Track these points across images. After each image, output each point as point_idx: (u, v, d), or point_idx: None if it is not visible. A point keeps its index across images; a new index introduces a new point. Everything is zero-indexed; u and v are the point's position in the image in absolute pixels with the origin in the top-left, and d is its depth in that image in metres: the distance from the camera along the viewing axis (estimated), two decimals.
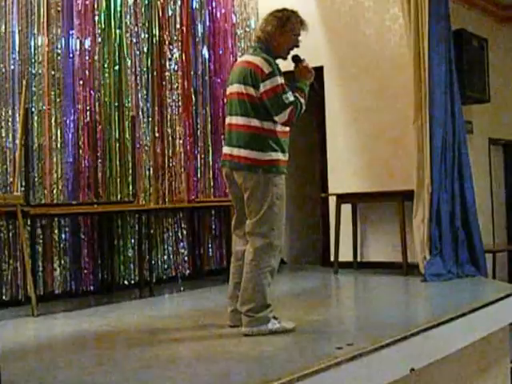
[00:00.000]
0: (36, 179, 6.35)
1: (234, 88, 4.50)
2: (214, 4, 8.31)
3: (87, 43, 6.85)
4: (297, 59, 4.58)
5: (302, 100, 4.42)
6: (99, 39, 6.96)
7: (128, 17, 7.25)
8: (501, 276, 8.54)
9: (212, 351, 4.01)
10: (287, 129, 4.49)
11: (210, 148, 8.04)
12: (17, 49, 6.25)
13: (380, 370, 3.88)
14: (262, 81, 4.32)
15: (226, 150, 4.56)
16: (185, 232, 7.70)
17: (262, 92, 4.32)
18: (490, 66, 8.50)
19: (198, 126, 7.97)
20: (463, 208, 6.96)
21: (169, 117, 7.63)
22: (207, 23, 8.21)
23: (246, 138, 4.40)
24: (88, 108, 6.82)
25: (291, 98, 4.32)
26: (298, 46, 4.59)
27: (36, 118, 6.38)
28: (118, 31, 7.13)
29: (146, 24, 7.44)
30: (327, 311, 5.55)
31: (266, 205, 4.35)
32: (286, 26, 4.49)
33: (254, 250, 4.36)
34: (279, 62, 4.55)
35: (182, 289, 7.15)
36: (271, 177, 4.36)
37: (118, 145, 7.07)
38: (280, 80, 4.34)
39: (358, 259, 8.00)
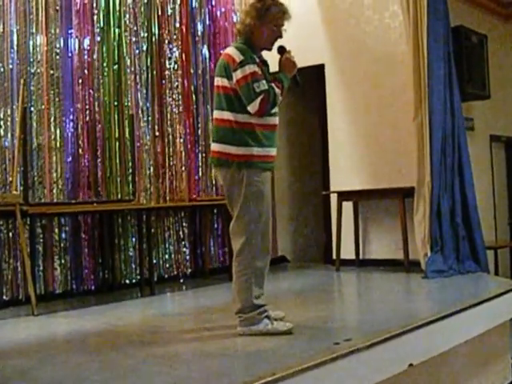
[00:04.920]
0: (35, 178, 6.35)
1: (215, 82, 4.38)
2: (213, 2, 8.30)
3: (86, 42, 6.84)
4: (281, 50, 4.41)
5: (278, 90, 4.20)
6: (98, 38, 6.95)
7: (127, 15, 7.24)
8: (503, 272, 8.54)
9: (210, 348, 4.00)
10: (271, 121, 4.29)
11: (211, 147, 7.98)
12: (15, 48, 6.25)
13: (377, 365, 3.87)
14: (234, 70, 4.17)
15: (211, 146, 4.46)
16: (186, 231, 7.69)
17: (235, 82, 4.18)
18: (490, 63, 8.48)
19: (199, 125, 7.97)
20: (464, 204, 6.95)
21: (169, 116, 7.61)
22: (207, 22, 8.20)
23: (219, 132, 4.29)
24: (87, 107, 6.82)
25: (263, 87, 4.13)
26: (281, 37, 4.38)
27: (35, 117, 6.37)
28: (117, 30, 7.12)
29: (146, 23, 7.43)
30: (327, 307, 5.53)
31: (241, 203, 4.20)
32: (265, 16, 4.28)
33: (235, 252, 4.28)
34: (267, 55, 4.47)
35: (183, 288, 7.14)
36: (246, 173, 4.17)
37: (117, 144, 7.06)
38: (251, 68, 4.15)
39: (360, 257, 7.98)
